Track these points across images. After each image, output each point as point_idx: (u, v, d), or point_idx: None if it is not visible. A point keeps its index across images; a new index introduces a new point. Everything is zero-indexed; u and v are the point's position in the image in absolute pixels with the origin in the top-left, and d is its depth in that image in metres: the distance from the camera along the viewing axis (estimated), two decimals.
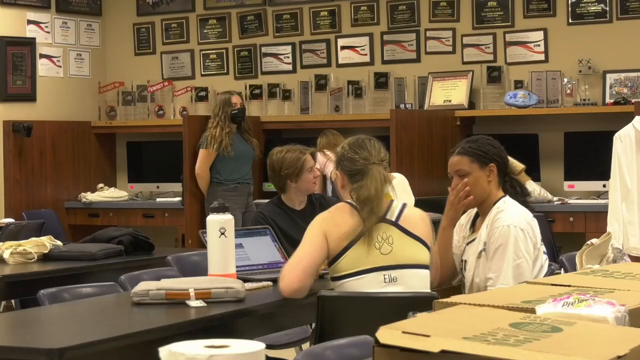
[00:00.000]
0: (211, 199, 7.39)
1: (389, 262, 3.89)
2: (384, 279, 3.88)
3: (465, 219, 4.29)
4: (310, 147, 5.48)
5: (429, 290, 3.95)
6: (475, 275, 4.11)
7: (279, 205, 5.21)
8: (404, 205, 4.04)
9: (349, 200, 3.99)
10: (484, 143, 4.21)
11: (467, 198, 4.14)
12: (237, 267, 4.26)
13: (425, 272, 3.97)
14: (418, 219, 4.03)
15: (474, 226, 4.22)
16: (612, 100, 7.47)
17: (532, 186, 7.31)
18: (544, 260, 4.14)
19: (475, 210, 4.24)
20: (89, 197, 8.83)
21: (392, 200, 4.03)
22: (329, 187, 7.51)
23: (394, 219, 3.96)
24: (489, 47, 8.04)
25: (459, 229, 4.31)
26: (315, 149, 5.56)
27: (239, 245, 4.48)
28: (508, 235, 4.02)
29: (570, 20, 7.77)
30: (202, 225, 7.24)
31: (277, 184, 5.26)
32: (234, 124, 7.79)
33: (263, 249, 4.62)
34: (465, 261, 4.18)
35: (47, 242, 5.30)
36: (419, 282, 3.94)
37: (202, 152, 7.77)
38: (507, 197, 4.16)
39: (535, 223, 4.14)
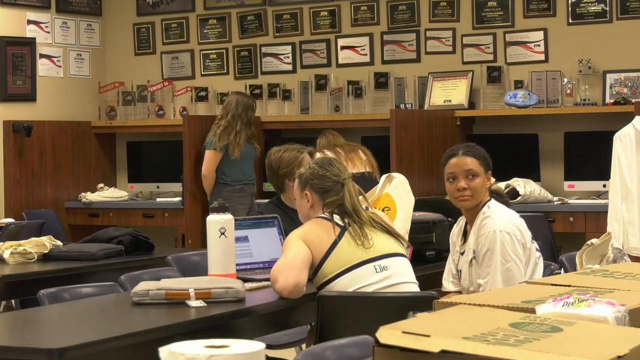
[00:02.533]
0: (216, 200, 7.37)
1: (374, 254, 4.00)
2: (375, 269, 3.98)
3: (457, 229, 4.30)
4: (308, 146, 5.47)
5: (414, 279, 4.05)
6: (470, 284, 4.13)
7: (279, 205, 5.21)
8: (366, 208, 4.18)
9: (321, 215, 4.05)
10: (483, 151, 4.25)
11: (469, 197, 4.15)
12: (238, 264, 4.27)
13: (407, 260, 4.11)
14: (382, 215, 4.23)
15: (465, 236, 4.23)
16: (612, 100, 7.47)
17: (532, 186, 7.33)
18: (537, 257, 4.15)
19: (464, 220, 4.25)
20: (89, 197, 8.83)
21: None
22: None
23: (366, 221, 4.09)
24: (489, 47, 8.04)
25: (452, 239, 4.33)
26: (313, 148, 5.55)
27: (244, 238, 4.49)
28: (495, 240, 4.04)
29: (570, 20, 7.77)
30: (202, 225, 7.24)
31: (276, 184, 5.27)
32: (249, 129, 7.76)
33: (268, 243, 4.62)
34: (460, 271, 4.21)
35: (47, 242, 5.30)
36: (406, 269, 4.07)
37: (208, 153, 7.72)
38: (492, 200, 4.17)
39: (522, 223, 4.15)
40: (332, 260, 3.95)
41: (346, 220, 4.03)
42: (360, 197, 4.16)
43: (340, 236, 3.98)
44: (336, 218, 4.04)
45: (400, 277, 4.00)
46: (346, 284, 3.93)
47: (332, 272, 3.95)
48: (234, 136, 7.65)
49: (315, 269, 3.97)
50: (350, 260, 3.96)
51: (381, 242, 4.03)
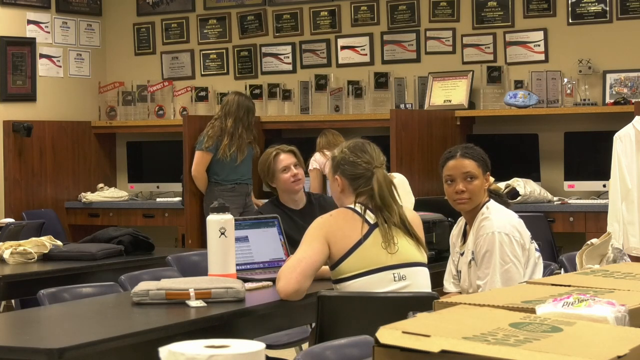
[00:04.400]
0: (209, 199, 7.35)
1: (396, 261, 3.92)
2: (394, 277, 3.91)
3: (457, 230, 4.29)
4: (291, 145, 5.42)
5: (430, 290, 3.98)
6: (469, 286, 4.13)
7: (278, 205, 5.21)
8: (400, 206, 4.06)
9: (349, 206, 3.99)
10: (481, 152, 4.22)
11: (467, 200, 4.13)
12: (238, 264, 4.26)
13: (427, 270, 4.03)
14: (414, 220, 4.07)
15: (464, 237, 4.22)
16: (612, 100, 7.47)
17: (532, 186, 7.33)
18: (536, 257, 4.14)
19: (463, 220, 4.24)
20: (89, 197, 8.83)
21: None
22: (329, 187, 7.48)
23: (396, 220, 3.98)
24: (489, 47, 8.04)
25: (452, 239, 4.32)
26: (292, 147, 5.46)
27: (244, 238, 4.49)
28: (493, 241, 4.02)
29: (570, 20, 7.77)
30: (202, 225, 7.24)
31: (267, 185, 5.33)
32: (251, 133, 7.68)
33: (268, 243, 4.62)
34: (460, 272, 4.19)
35: (47, 242, 5.30)
36: (424, 280, 3.99)
37: (197, 154, 7.65)
38: (491, 201, 4.16)
39: (520, 224, 4.13)
40: (353, 259, 3.89)
41: (377, 219, 3.93)
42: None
43: (366, 236, 3.90)
44: (368, 215, 3.94)
45: (417, 289, 3.92)
46: (362, 287, 3.88)
47: (350, 272, 3.89)
48: (237, 139, 7.57)
49: (335, 262, 3.91)
50: (371, 264, 3.89)
51: (406, 249, 3.94)
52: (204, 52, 9.11)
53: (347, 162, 4.02)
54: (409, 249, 3.96)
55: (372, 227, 3.93)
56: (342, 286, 3.93)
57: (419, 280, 3.96)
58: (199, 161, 7.65)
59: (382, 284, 3.89)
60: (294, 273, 3.83)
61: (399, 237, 3.94)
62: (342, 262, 3.90)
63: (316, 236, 3.91)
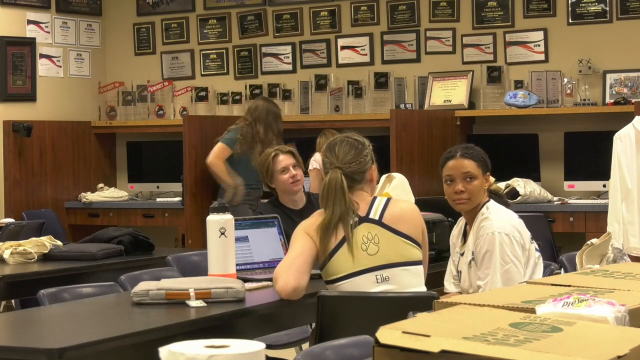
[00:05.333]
0: (222, 198, 7.23)
1: (377, 262, 3.88)
2: (376, 279, 3.87)
3: (457, 230, 4.29)
4: (289, 144, 5.42)
5: (424, 287, 3.96)
6: (469, 286, 4.12)
7: (277, 205, 5.21)
8: (388, 201, 3.99)
9: None
10: (481, 152, 4.22)
11: (466, 200, 4.13)
12: (238, 264, 4.26)
13: (417, 268, 3.95)
14: (405, 213, 3.97)
15: (465, 237, 4.21)
16: (612, 100, 7.47)
17: (532, 186, 7.33)
18: (537, 257, 4.14)
19: (463, 221, 4.24)
20: (89, 197, 8.83)
21: (374, 198, 3.99)
22: None
23: (377, 218, 3.92)
24: (489, 47, 8.04)
25: (452, 240, 4.32)
26: (291, 147, 5.45)
27: (244, 238, 4.49)
28: (493, 242, 4.01)
29: (570, 20, 7.77)
30: (202, 225, 7.22)
31: (266, 186, 5.32)
32: (280, 139, 7.45)
33: (268, 243, 4.62)
34: (460, 272, 4.19)
35: (47, 242, 5.30)
36: (412, 279, 3.92)
37: (221, 146, 7.41)
38: (491, 201, 4.15)
39: (520, 224, 4.13)
40: (336, 261, 3.88)
41: (355, 219, 3.90)
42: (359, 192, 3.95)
43: (345, 237, 3.88)
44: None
45: (402, 289, 3.88)
46: (346, 290, 3.87)
47: (335, 274, 3.89)
48: (268, 146, 7.36)
49: (321, 264, 3.91)
50: (351, 267, 3.87)
51: (389, 248, 3.89)
52: (204, 52, 9.11)
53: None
54: (392, 248, 3.90)
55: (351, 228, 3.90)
56: (331, 287, 3.93)
57: (405, 280, 3.90)
58: (219, 153, 7.41)
59: (364, 287, 3.86)
60: (290, 271, 3.83)
61: (381, 236, 3.89)
62: (327, 264, 3.90)
63: (301, 235, 3.92)
